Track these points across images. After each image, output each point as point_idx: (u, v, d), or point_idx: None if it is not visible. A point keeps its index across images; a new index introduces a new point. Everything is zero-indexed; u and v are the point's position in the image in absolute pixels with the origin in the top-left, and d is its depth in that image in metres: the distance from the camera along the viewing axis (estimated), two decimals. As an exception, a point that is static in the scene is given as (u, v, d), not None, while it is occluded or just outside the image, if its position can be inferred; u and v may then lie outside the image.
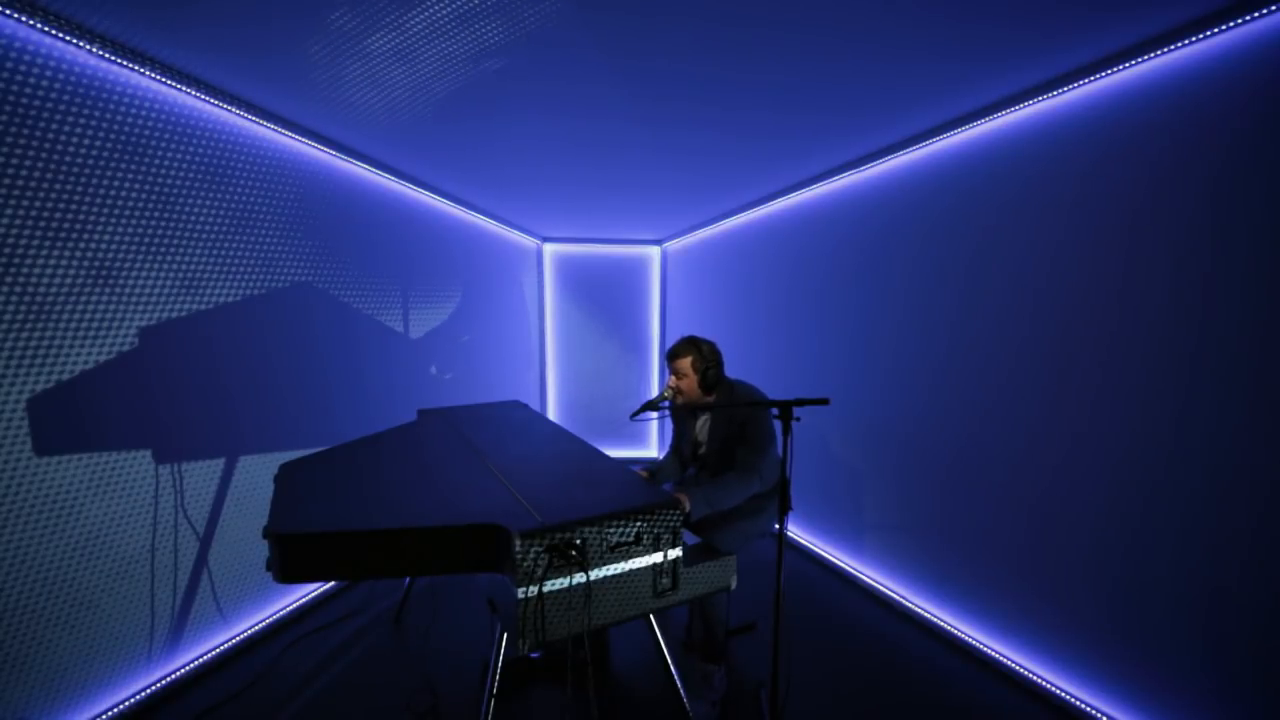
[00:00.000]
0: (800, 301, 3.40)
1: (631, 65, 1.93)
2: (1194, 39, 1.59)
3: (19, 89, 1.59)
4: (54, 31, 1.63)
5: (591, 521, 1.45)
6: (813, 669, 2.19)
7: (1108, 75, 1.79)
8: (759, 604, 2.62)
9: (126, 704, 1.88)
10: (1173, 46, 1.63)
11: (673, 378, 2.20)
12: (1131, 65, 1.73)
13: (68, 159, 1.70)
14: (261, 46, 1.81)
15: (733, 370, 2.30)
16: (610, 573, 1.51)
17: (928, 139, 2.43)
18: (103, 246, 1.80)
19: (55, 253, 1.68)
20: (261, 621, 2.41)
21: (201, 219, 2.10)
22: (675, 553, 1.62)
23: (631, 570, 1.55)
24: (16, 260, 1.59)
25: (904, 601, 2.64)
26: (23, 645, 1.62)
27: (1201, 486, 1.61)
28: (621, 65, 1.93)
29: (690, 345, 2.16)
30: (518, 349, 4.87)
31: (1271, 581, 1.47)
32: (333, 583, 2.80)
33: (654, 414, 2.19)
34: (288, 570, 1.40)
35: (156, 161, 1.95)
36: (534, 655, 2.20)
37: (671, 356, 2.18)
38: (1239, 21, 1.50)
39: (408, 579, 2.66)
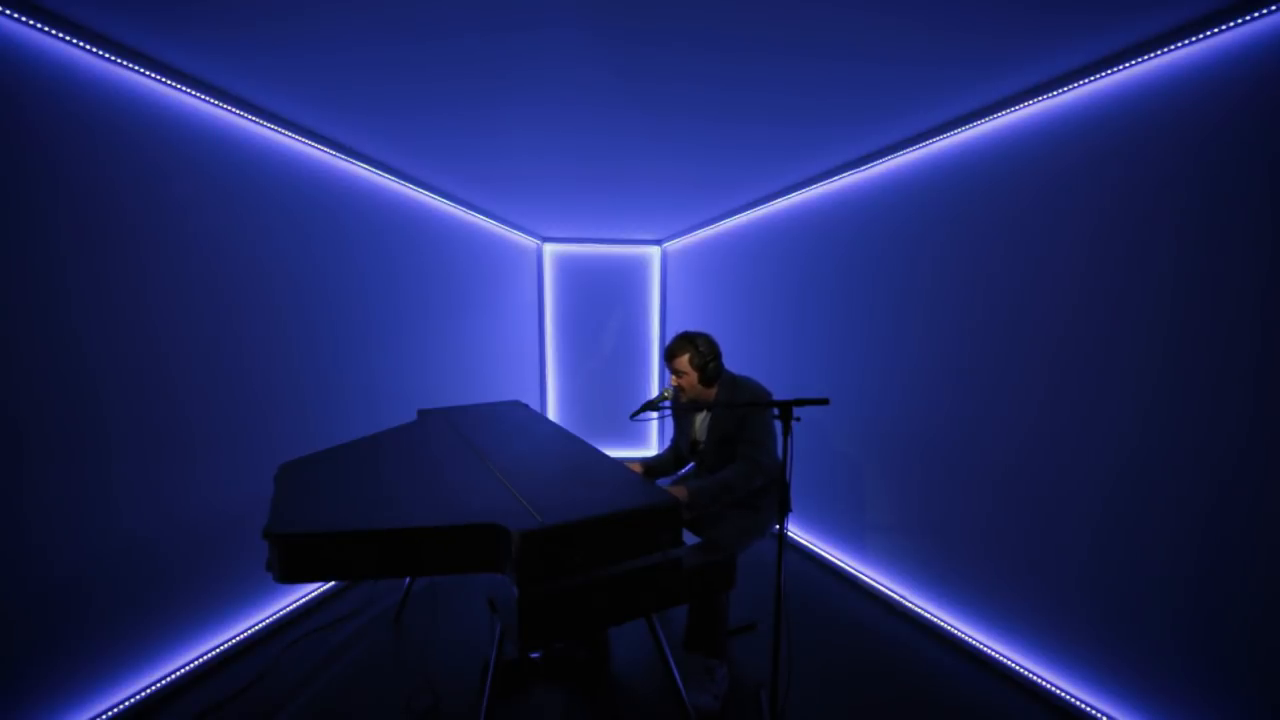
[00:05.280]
0: (799, 301, 3.40)
1: (632, 67, 1.93)
2: (1194, 39, 1.59)
3: (19, 89, 1.59)
4: (54, 31, 1.64)
5: (591, 521, 1.45)
6: (813, 669, 2.19)
7: (1108, 75, 1.79)
8: (759, 604, 2.62)
9: (126, 704, 1.88)
10: (1172, 47, 1.63)
11: (673, 376, 2.20)
12: (1131, 66, 1.73)
13: (71, 160, 1.70)
14: (261, 46, 1.81)
15: (733, 370, 2.30)
16: (610, 573, 1.51)
17: (927, 139, 2.42)
18: (103, 247, 1.80)
19: (55, 253, 1.68)
20: (261, 621, 2.41)
21: (200, 220, 2.10)
22: (675, 553, 1.62)
23: (632, 570, 1.55)
24: (18, 261, 1.59)
25: (904, 601, 2.64)
26: (22, 645, 1.62)
27: (1199, 487, 1.61)
28: (624, 80, 1.93)
29: (686, 342, 2.16)
30: (518, 349, 4.87)
31: (1269, 581, 1.47)
32: (333, 583, 2.81)
33: (654, 414, 2.19)
34: (288, 570, 1.40)
35: (155, 162, 1.95)
36: (534, 655, 2.20)
37: (669, 356, 2.18)
38: (1239, 21, 1.50)
39: (408, 579, 2.66)
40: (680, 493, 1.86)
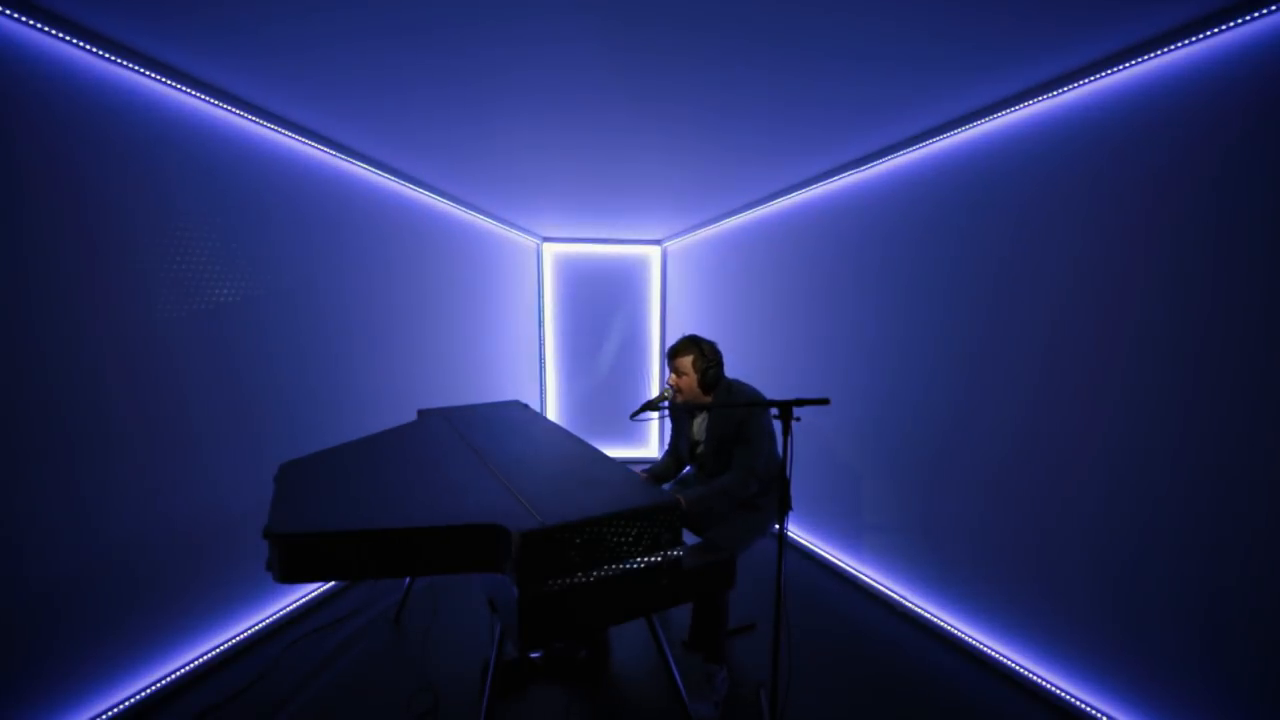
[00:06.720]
0: (799, 301, 3.40)
1: (632, 68, 1.93)
2: (1194, 39, 1.59)
3: (16, 88, 1.59)
4: (54, 31, 1.64)
5: (591, 521, 1.45)
6: (813, 669, 2.19)
7: (1108, 75, 1.79)
8: (759, 604, 2.62)
9: (127, 704, 1.88)
10: (1173, 46, 1.63)
11: (672, 376, 2.20)
12: (1132, 65, 1.73)
13: (72, 160, 1.70)
14: (262, 47, 1.81)
15: (733, 370, 2.30)
16: (610, 573, 1.51)
17: (926, 140, 2.42)
18: (103, 247, 1.80)
19: (55, 253, 1.68)
20: (261, 621, 2.41)
21: (201, 219, 2.10)
22: (675, 553, 1.62)
23: (631, 570, 1.55)
24: (18, 261, 1.59)
25: (904, 601, 2.64)
26: (21, 645, 1.62)
27: (1200, 486, 1.61)
28: (624, 80, 1.93)
29: (692, 344, 2.17)
30: (518, 349, 4.87)
31: (1271, 581, 1.47)
32: (333, 583, 2.80)
33: (653, 414, 2.19)
34: (288, 570, 1.40)
35: (156, 162, 1.95)
36: (534, 655, 2.20)
37: (673, 354, 2.19)
38: (1239, 21, 1.50)
39: (408, 579, 2.66)
40: (679, 499, 1.86)
